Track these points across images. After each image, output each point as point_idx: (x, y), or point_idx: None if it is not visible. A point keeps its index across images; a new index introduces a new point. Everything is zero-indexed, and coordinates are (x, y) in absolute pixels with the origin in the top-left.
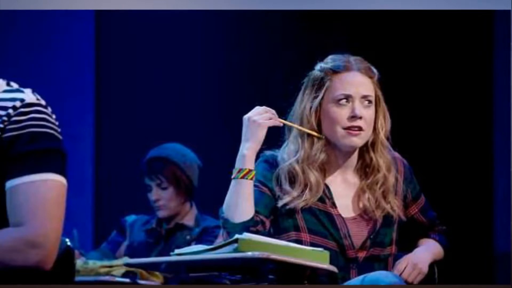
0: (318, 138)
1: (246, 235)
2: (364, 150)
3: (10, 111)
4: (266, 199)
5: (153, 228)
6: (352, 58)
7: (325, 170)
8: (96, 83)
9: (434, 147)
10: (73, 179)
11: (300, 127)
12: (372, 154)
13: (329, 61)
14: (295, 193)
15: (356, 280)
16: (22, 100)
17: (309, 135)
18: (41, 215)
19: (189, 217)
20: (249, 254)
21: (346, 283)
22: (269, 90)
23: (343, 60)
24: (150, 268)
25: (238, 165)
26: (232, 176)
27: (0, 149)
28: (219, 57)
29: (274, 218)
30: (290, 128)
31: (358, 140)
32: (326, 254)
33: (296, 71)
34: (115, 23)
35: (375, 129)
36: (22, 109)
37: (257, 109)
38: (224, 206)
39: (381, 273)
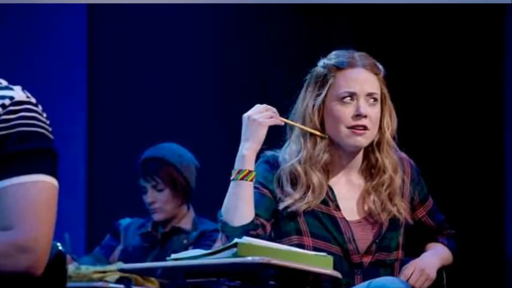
0: (321, 137)
1: (246, 239)
2: (369, 150)
3: None
4: (266, 201)
5: (148, 231)
6: (356, 54)
7: (328, 171)
8: (89, 80)
9: (443, 147)
10: (65, 180)
11: (302, 126)
12: (377, 154)
13: (332, 57)
14: (297, 195)
15: (361, 286)
16: (11, 98)
17: (311, 134)
18: (31, 218)
19: (186, 220)
20: (249, 259)
21: None
22: (270, 88)
23: (347, 56)
24: (146, 273)
25: (237, 166)
26: (231, 178)
27: None
28: (217, 53)
29: (275, 221)
30: (292, 127)
31: (363, 140)
32: (330, 259)
33: (298, 67)
34: (109, 17)
35: (380, 128)
36: (12, 107)
37: (258, 107)
38: (223, 208)
39: (387, 279)
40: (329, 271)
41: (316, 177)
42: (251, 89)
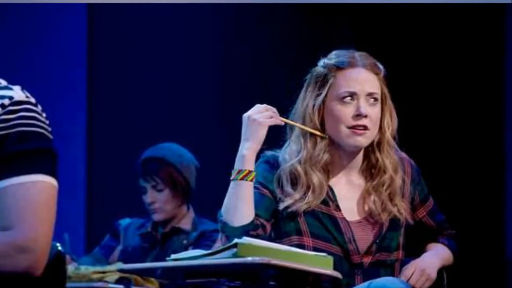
0: (322, 137)
1: (246, 240)
2: (370, 150)
3: None
4: (266, 201)
5: (148, 232)
6: (357, 54)
7: (328, 171)
8: (89, 80)
9: (443, 147)
10: (64, 180)
11: (302, 126)
12: (378, 154)
13: (332, 57)
14: (297, 195)
15: (361, 286)
16: (11, 97)
17: (312, 134)
18: (31, 219)
19: (186, 221)
20: (249, 259)
21: None
22: (270, 88)
23: (347, 56)
24: (145, 274)
25: (237, 166)
26: (231, 178)
27: None
28: (217, 53)
29: (275, 222)
30: (292, 127)
31: (363, 140)
32: (330, 259)
33: (299, 67)
34: (109, 17)
35: (381, 128)
36: (11, 107)
37: (258, 107)
38: (223, 209)
39: (387, 279)
40: (329, 271)
41: (316, 177)
42: (252, 89)
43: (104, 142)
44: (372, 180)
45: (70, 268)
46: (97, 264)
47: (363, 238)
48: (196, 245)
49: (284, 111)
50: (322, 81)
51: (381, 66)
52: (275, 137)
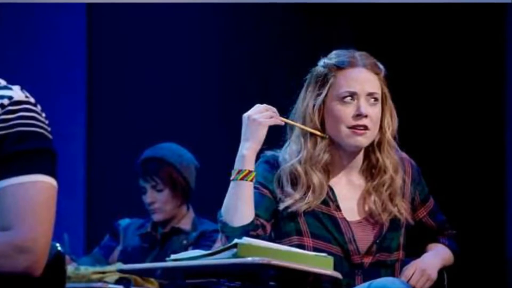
0: (322, 137)
1: (246, 240)
2: (370, 150)
3: None
4: (266, 201)
5: (148, 232)
6: (357, 54)
7: (329, 171)
8: (88, 80)
9: (444, 147)
10: (64, 180)
11: (302, 126)
12: (378, 154)
13: (333, 57)
14: (297, 196)
15: (361, 287)
16: (10, 97)
17: (312, 134)
18: (30, 219)
19: (186, 221)
20: (249, 259)
21: None
22: (270, 88)
23: (347, 56)
24: (145, 274)
25: (237, 166)
26: (231, 178)
27: None
28: (217, 53)
29: (275, 222)
30: (292, 127)
31: (364, 140)
32: (330, 259)
33: (299, 67)
34: (108, 16)
35: (381, 128)
36: (10, 107)
37: (258, 107)
38: (223, 209)
39: (387, 279)
40: (330, 271)
41: (316, 177)
42: (251, 89)
43: (104, 142)
44: (372, 180)
45: (70, 268)
46: (97, 264)
47: (364, 238)
48: (196, 245)
49: (284, 111)
50: (322, 81)
51: (381, 66)
52: (275, 137)
